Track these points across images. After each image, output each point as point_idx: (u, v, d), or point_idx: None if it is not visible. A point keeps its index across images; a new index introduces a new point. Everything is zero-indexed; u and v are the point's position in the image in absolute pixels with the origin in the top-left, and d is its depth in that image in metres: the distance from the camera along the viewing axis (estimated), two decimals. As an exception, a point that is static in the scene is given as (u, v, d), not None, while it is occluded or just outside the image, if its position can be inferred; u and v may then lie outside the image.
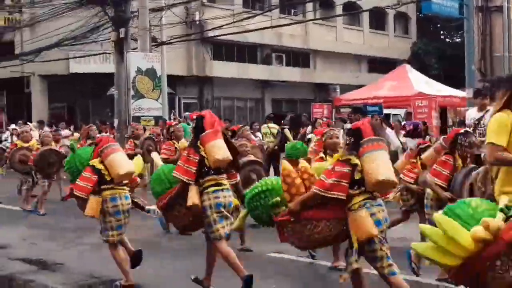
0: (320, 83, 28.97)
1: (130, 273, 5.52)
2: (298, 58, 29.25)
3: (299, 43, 28.52)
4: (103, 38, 17.19)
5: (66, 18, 17.00)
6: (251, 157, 7.38)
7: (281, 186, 4.45)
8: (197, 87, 25.75)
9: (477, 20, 18.70)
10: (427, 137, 10.29)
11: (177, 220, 5.34)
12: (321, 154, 5.76)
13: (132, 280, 5.49)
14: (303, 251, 5.98)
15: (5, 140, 16.25)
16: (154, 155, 6.97)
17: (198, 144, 5.07)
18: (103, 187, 5.37)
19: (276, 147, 12.35)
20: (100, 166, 5.39)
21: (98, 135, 10.12)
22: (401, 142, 10.65)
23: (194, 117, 5.39)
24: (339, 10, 27.34)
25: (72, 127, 18.49)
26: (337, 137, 5.68)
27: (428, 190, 5.70)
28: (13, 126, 16.15)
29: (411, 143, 8.80)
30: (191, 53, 24.67)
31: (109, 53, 18.67)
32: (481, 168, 4.69)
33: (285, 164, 4.60)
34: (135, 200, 5.87)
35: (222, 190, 5.09)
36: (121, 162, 5.42)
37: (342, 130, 9.76)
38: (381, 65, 30.10)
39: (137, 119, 14.61)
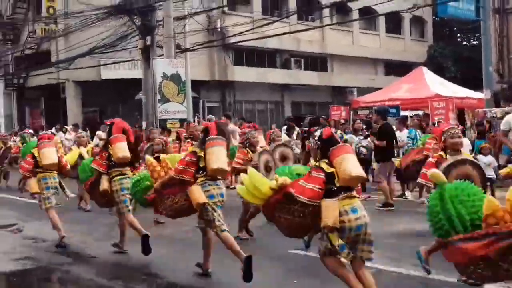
0: (338, 86, 28.97)
1: (62, 230, 7.24)
2: (316, 62, 29.22)
3: (317, 48, 28.52)
4: (131, 46, 17.36)
5: (97, 27, 17.25)
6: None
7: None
8: (220, 91, 25.94)
9: (494, 22, 18.37)
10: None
11: (98, 198, 6.96)
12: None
13: (63, 233, 7.21)
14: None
15: None
16: (82, 149, 9.80)
17: (108, 144, 6.69)
18: (37, 170, 7.29)
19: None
20: (37, 155, 7.25)
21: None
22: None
23: (108, 123, 6.92)
24: (355, 15, 27.22)
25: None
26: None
27: None
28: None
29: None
30: (213, 59, 24.88)
31: (137, 60, 18.89)
32: None
33: (148, 158, 6.37)
34: (61, 181, 7.68)
35: (125, 178, 6.61)
36: (47, 155, 7.14)
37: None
38: (398, 68, 29.77)
39: (163, 121, 14.84)
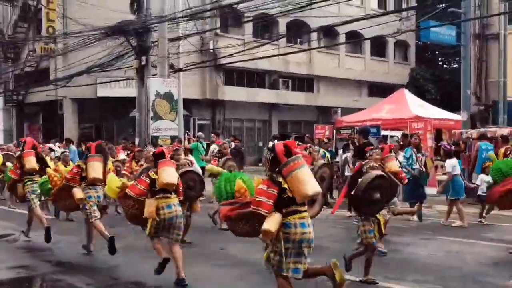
0: (323, 106, 29.23)
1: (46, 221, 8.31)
2: (303, 83, 29.58)
3: (304, 70, 28.89)
4: (126, 65, 17.51)
5: (94, 47, 17.41)
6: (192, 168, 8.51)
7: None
8: (210, 110, 26.18)
9: (474, 47, 18.67)
10: (422, 156, 10.59)
11: (62, 205, 8.37)
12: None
13: (46, 223, 8.10)
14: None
15: None
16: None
17: (20, 157, 8.42)
18: (24, 177, 8.41)
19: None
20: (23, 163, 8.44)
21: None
22: (399, 162, 10.82)
23: (22, 140, 8.85)
24: (342, 38, 27.56)
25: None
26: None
27: None
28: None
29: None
30: (205, 78, 25.12)
31: (132, 79, 19.05)
32: None
33: (48, 170, 7.92)
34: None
35: (34, 182, 8.26)
36: (29, 162, 8.28)
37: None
38: (381, 90, 30.13)
39: (155, 138, 14.97)
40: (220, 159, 9.84)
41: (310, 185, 4.40)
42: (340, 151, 13.87)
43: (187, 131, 18.35)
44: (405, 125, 15.73)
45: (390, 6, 32.01)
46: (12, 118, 28.08)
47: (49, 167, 8.36)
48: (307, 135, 16.93)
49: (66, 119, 24.74)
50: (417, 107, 18.31)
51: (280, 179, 4.43)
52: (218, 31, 24.35)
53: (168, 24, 16.03)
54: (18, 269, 6.90)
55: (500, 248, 7.97)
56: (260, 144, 14.87)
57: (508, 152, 10.53)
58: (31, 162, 8.27)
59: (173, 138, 15.24)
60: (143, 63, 16.01)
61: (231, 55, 18.86)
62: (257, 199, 4.42)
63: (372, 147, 6.73)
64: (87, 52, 17.77)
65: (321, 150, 13.00)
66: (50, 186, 7.83)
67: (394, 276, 6.24)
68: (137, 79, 16.62)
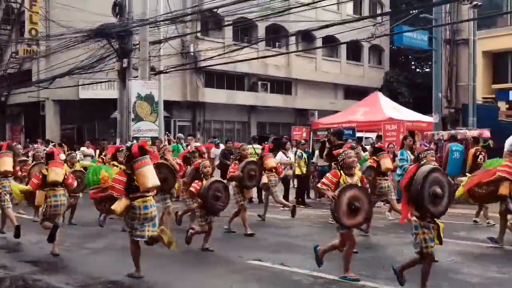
0: (301, 109, 29.38)
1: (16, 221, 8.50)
2: (281, 86, 29.61)
3: (283, 73, 28.93)
4: (108, 67, 17.33)
5: (76, 50, 17.15)
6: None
7: None
8: (191, 111, 26.03)
9: (445, 51, 18.88)
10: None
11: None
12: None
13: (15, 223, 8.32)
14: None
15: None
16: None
17: None
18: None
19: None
20: None
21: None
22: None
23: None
24: (319, 43, 27.75)
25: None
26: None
27: None
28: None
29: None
30: (185, 81, 24.97)
31: (114, 81, 18.80)
32: None
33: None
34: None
35: (8, 181, 8.58)
36: (4, 163, 8.61)
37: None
38: (356, 93, 30.42)
39: (136, 139, 14.77)
40: (239, 162, 9.16)
41: (151, 180, 5.71)
42: (317, 152, 13.94)
43: (168, 133, 18.19)
44: (379, 127, 15.78)
45: (365, 11, 32.31)
46: (-6, 119, 27.54)
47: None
48: (285, 136, 16.93)
49: (48, 120, 24.36)
50: (391, 109, 18.42)
51: (130, 172, 5.73)
52: (198, 34, 24.26)
53: (150, 27, 15.87)
54: (-4, 269, 6.71)
55: (470, 246, 8.02)
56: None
57: (478, 153, 10.70)
58: (5, 164, 8.67)
59: (153, 139, 15.07)
60: (124, 65, 15.81)
61: (211, 58, 18.83)
62: (111, 185, 5.82)
63: (347, 147, 6.68)
64: (69, 54, 17.52)
65: (298, 151, 13.10)
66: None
67: (367, 273, 6.20)
68: (118, 81, 16.42)
